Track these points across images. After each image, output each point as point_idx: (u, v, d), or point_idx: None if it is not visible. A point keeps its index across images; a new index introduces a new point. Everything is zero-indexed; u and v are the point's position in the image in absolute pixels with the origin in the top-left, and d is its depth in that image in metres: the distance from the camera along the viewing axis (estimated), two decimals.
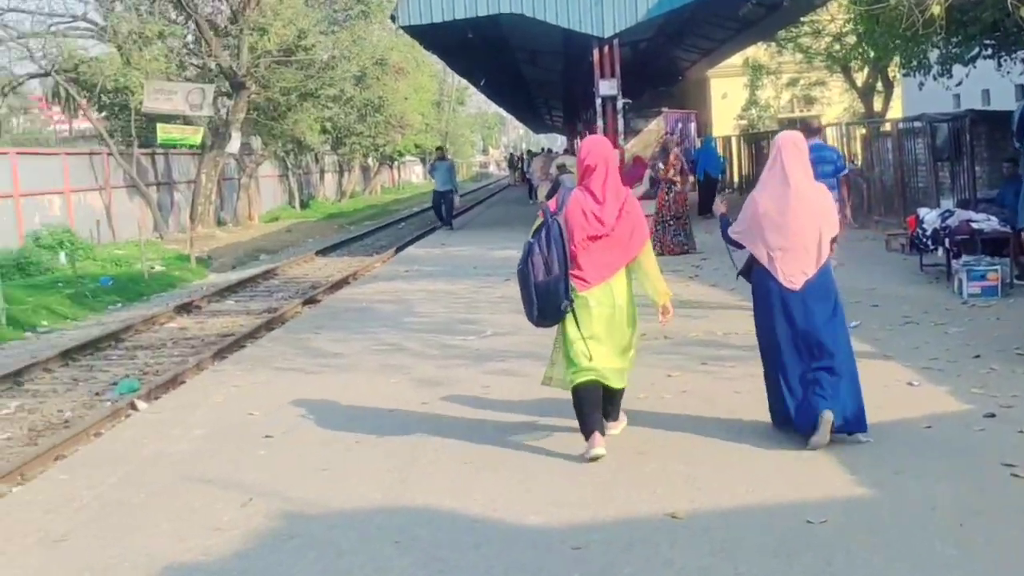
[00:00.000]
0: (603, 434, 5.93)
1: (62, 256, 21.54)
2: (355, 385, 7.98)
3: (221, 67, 32.31)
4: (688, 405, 6.92)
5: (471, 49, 30.25)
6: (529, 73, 40.54)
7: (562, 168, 21.76)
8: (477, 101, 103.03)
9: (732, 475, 5.46)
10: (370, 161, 59.27)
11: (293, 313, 14.96)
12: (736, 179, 32.85)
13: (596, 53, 20.75)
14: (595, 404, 5.92)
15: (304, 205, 45.85)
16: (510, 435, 6.39)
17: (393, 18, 21.15)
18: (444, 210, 25.75)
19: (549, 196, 17.81)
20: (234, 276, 22.86)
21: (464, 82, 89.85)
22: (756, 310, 6.14)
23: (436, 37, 25.89)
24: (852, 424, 5.88)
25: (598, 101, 21.01)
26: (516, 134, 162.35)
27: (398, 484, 5.57)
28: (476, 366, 8.45)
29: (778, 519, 4.83)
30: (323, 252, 26.06)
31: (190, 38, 34.11)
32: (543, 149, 73.18)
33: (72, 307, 17.94)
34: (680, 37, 31.68)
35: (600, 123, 21.11)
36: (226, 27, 33.14)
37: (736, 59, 36.52)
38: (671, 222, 16.29)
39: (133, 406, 9.32)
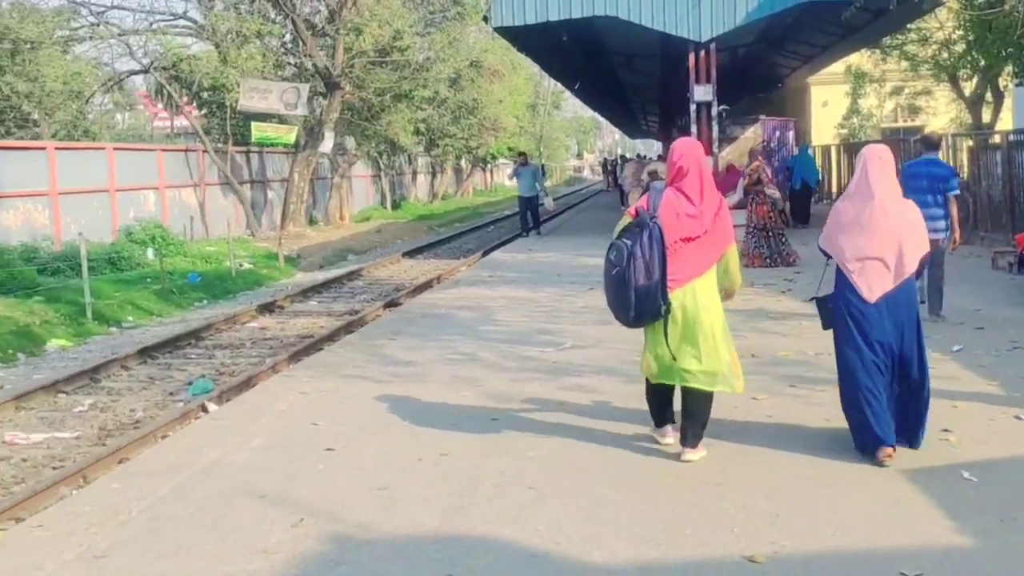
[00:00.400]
0: (674, 428, 6.20)
1: (150, 252, 21.75)
2: (423, 397, 7.67)
3: (316, 67, 32.48)
4: (773, 432, 6.46)
5: (565, 52, 29.90)
6: (625, 77, 40.02)
7: (654, 175, 21.26)
8: (573, 105, 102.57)
9: (819, 515, 5.01)
10: (463, 163, 59.27)
11: (373, 316, 14.77)
12: (835, 189, 31.95)
13: (692, 57, 20.24)
14: (667, 402, 6.23)
15: (395, 206, 45.96)
16: (580, 458, 6.02)
17: (486, 19, 20.86)
18: (531, 216, 25.05)
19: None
20: (320, 276, 22.83)
21: (560, 85, 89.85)
22: (835, 322, 6.05)
23: (530, 39, 25.56)
24: (907, 438, 5.95)
25: (692, 107, 20.50)
26: (611, 139, 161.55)
27: (456, 509, 5.23)
28: (551, 381, 8.09)
29: (868, 569, 4.38)
30: (410, 254, 25.95)
31: (287, 37, 34.37)
32: (637, 155, 72.51)
33: (158, 303, 18.03)
34: (781, 43, 30.90)
35: (694, 129, 20.59)
36: (323, 27, 33.30)
37: (838, 66, 35.49)
38: (754, 232, 15.79)
39: (204, 408, 9.17)
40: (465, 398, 7.60)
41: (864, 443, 5.89)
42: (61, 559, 4.73)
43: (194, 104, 36.26)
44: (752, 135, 35.86)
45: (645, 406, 6.64)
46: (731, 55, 29.21)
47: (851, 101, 34.60)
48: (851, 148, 30.34)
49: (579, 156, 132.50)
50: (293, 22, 31.71)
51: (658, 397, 6.22)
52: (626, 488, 5.48)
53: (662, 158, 47.80)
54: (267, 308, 16.40)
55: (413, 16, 33.34)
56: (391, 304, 15.82)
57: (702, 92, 20.28)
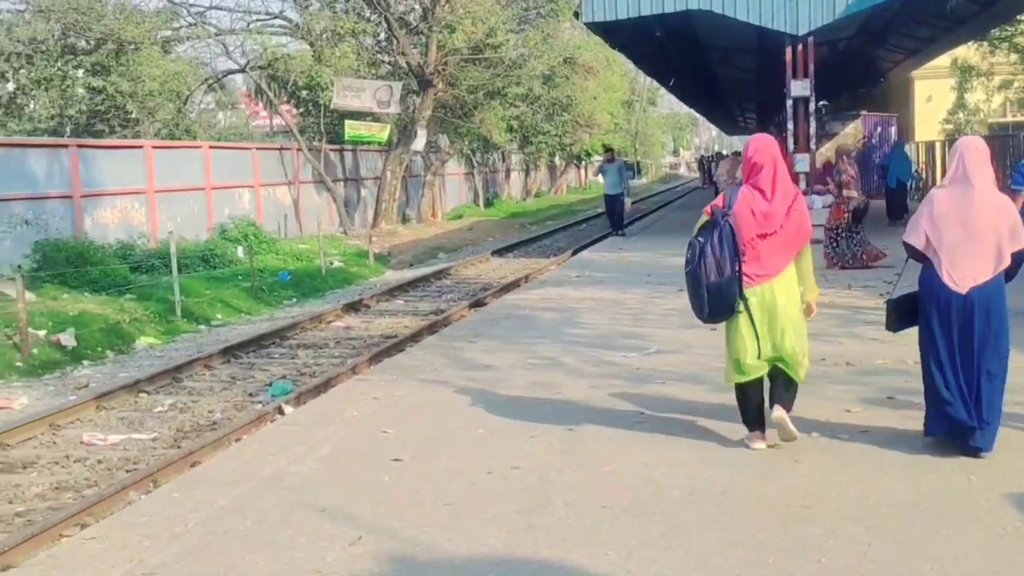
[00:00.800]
0: (764, 432, 6.08)
1: (240, 250, 21.88)
2: (498, 404, 7.38)
3: (409, 65, 32.48)
4: (867, 450, 6.02)
5: (659, 47, 29.40)
6: (721, 72, 39.28)
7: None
8: (669, 101, 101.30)
9: (917, 545, 4.59)
10: (556, 160, 58.95)
11: (457, 316, 14.56)
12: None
13: (788, 51, 19.62)
14: (757, 402, 6.10)
15: (488, 204, 45.85)
16: (659, 475, 5.67)
17: (577, 14, 20.51)
18: (616, 215, 24.21)
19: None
20: (409, 274, 22.75)
21: (656, 82, 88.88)
22: (920, 312, 5.98)
23: (622, 34, 25.17)
24: (980, 441, 5.76)
25: (789, 102, 19.88)
26: (708, 136, 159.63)
27: (523, 530, 4.93)
28: (633, 388, 7.74)
29: None
30: (499, 252, 25.75)
31: (382, 36, 34.44)
32: (733, 152, 71.37)
33: (247, 301, 18.09)
34: (883, 36, 29.92)
35: (791, 125, 19.97)
36: (416, 25, 33.31)
37: (943, 60, 34.36)
38: (827, 233, 15.15)
39: (280, 410, 9.03)
40: (543, 406, 7.30)
41: (935, 429, 5.95)
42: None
43: (290, 103, 36.66)
44: (852, 131, 35.00)
45: (730, 420, 6.35)
46: (830, 49, 28.34)
47: (957, 96, 33.37)
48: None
49: (675, 153, 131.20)
50: (387, 20, 31.75)
51: (748, 400, 6.14)
52: (706, 510, 5.12)
53: None
54: (353, 307, 16.32)
55: (506, 13, 33.09)
56: (476, 304, 15.61)
57: (799, 87, 19.64)
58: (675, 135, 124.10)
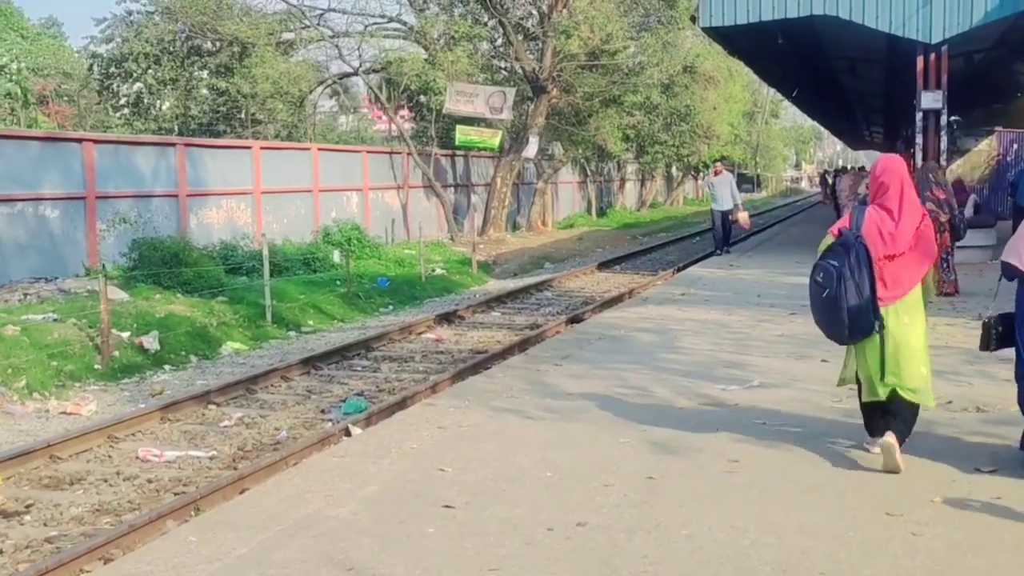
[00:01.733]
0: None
1: (336, 254, 21.47)
2: (576, 442, 6.58)
3: (524, 70, 31.89)
4: (1003, 526, 5.05)
5: (781, 55, 28.16)
6: (847, 83, 37.72)
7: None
8: (793, 114, 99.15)
9: None
10: (673, 171, 57.77)
11: (553, 332, 13.81)
12: None
13: (920, 61, 18.35)
14: (879, 413, 6.08)
15: (601, 213, 45.05)
16: (747, 543, 4.80)
17: (693, 19, 19.56)
18: (723, 232, 22.32)
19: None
20: (511, 284, 22.09)
21: (779, 94, 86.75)
22: (1018, 324, 5.94)
23: (741, 41, 24.06)
24: None
25: (919, 115, 18.61)
26: (833, 150, 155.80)
27: None
28: (730, 429, 6.85)
29: None
30: (606, 265, 24.89)
31: (498, 41, 33.95)
32: (859, 166, 69.04)
33: (342, 307, 17.64)
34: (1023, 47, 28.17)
35: (920, 139, 18.71)
36: (533, 31, 32.73)
37: None
38: None
39: (347, 431, 8.40)
40: (624, 447, 6.46)
41: None
42: None
43: (406, 107, 36.42)
44: (986, 147, 33.15)
45: (840, 476, 5.71)
46: (965, 61, 26.76)
47: None
48: None
49: (797, 166, 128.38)
50: (503, 25, 31.19)
51: (870, 409, 6.17)
52: None
53: None
54: (446, 318, 15.69)
55: (625, 20, 32.22)
56: (573, 320, 14.83)
57: (930, 99, 18.35)
58: (798, 148, 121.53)
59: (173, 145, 21.34)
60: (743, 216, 22.33)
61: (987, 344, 6.20)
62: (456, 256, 26.41)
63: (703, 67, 40.34)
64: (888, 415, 6.00)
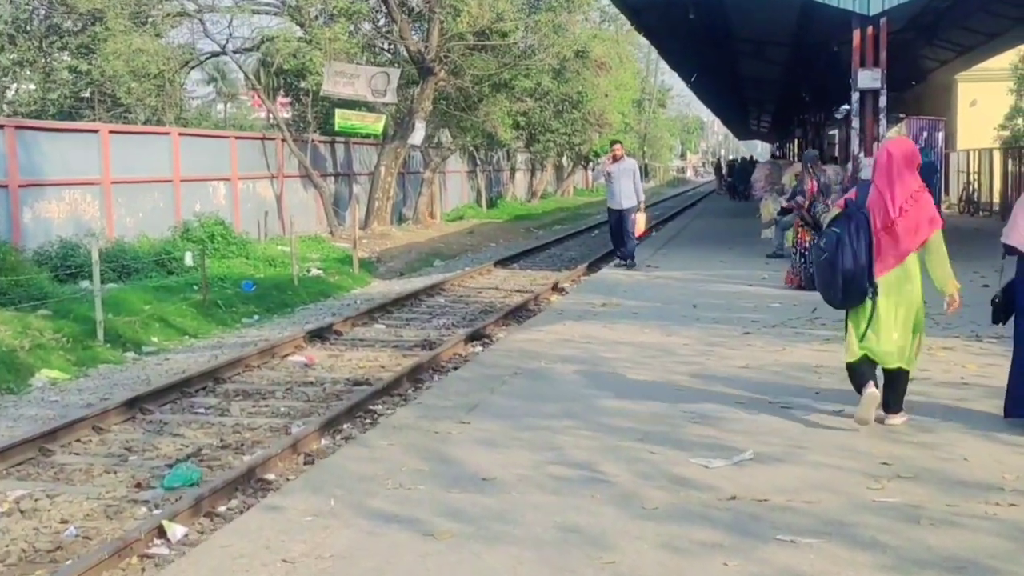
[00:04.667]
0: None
1: (188, 257, 18.57)
2: None
3: (409, 50, 29.31)
4: None
5: (688, 35, 26.24)
6: (747, 69, 36.28)
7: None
8: (678, 104, 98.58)
9: None
10: (564, 160, 55.83)
11: (449, 355, 11.29)
12: (995, 199, 27.57)
13: (856, 35, 16.31)
14: (869, 374, 6.37)
15: (491, 204, 42.82)
16: None
17: None
18: (624, 237, 16.77)
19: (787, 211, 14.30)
20: (397, 286, 19.52)
21: (666, 83, 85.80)
22: (1018, 307, 6.42)
23: (652, 15, 21.97)
24: None
25: (854, 96, 16.59)
26: (715, 140, 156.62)
27: None
28: (736, 550, 4.44)
29: None
30: (503, 263, 22.42)
31: (380, 21, 31.31)
32: (750, 157, 68.08)
33: (195, 319, 14.85)
34: (933, 30, 26.66)
35: (856, 123, 16.72)
36: (419, 9, 30.20)
37: (993, 61, 31.17)
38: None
39: (161, 531, 5.80)
40: None
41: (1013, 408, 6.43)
42: None
43: (283, 92, 33.51)
44: (895, 135, 31.75)
45: None
46: (842, 53, 25.15)
47: (1016, 99, 30.03)
48: (1019, 154, 25.87)
49: (682, 156, 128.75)
50: (385, 2, 28.50)
51: (862, 376, 6.38)
52: None
53: (781, 158, 43.72)
54: (320, 334, 13.00)
55: (517, 1, 29.91)
56: (474, 337, 12.32)
57: (868, 78, 16.33)
58: (683, 138, 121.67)
59: (2, 127, 18.11)
60: (641, 219, 16.98)
61: (998, 317, 6.66)
62: (336, 253, 23.71)
63: (595, 52, 38.47)
64: (886, 386, 6.46)
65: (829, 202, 17.44)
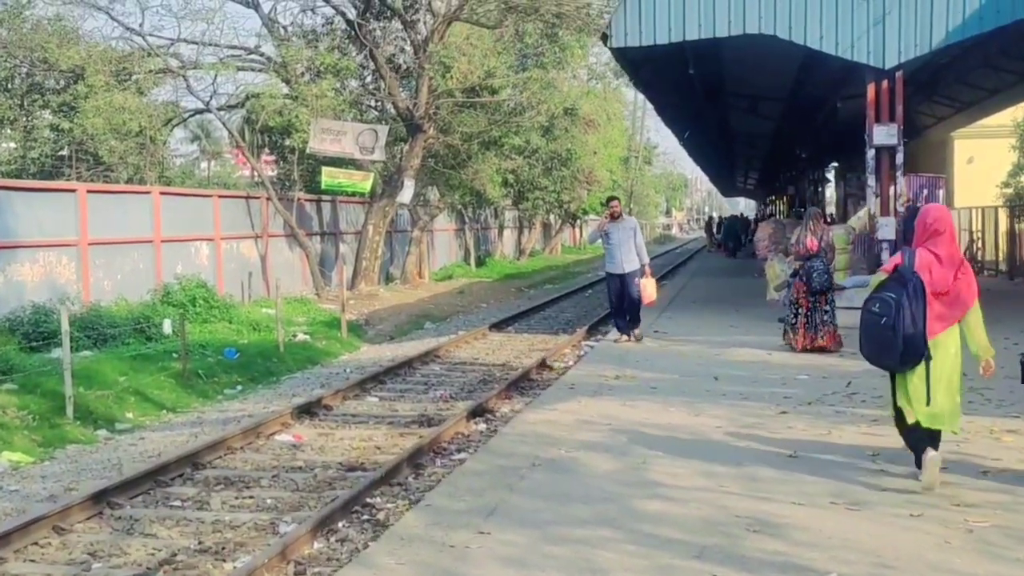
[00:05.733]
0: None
1: (166, 325, 17.58)
2: None
3: (397, 107, 28.63)
4: None
5: (685, 90, 25.68)
6: (739, 124, 35.89)
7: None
8: (663, 161, 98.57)
9: None
10: (552, 218, 55.20)
11: (453, 435, 10.32)
12: (1000, 259, 26.83)
13: (871, 89, 15.63)
14: (928, 441, 6.52)
15: (480, 263, 42.02)
16: None
17: (605, 37, 16.53)
18: (627, 308, 14.78)
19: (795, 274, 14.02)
20: (389, 352, 18.56)
21: (652, 140, 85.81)
22: None
23: (650, 69, 21.32)
24: None
25: (870, 152, 15.88)
26: (699, 197, 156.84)
27: None
28: None
29: None
30: (498, 326, 21.47)
31: (368, 78, 30.68)
32: (740, 215, 67.63)
33: (175, 391, 13.87)
34: (932, 86, 26.13)
35: (872, 181, 16.02)
36: (407, 66, 29.58)
37: (990, 119, 30.72)
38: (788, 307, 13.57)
39: None
40: None
41: None
42: None
43: (266, 147, 32.77)
44: (864, 216, 31.13)
45: None
46: (856, 103, 24.54)
47: (1019, 156, 29.45)
48: None
49: (668, 213, 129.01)
50: (373, 58, 27.85)
51: (919, 433, 6.57)
52: None
53: (773, 217, 43.08)
54: (309, 409, 11.98)
55: (508, 59, 29.30)
56: (477, 412, 11.34)
57: (884, 134, 15.66)
58: (668, 195, 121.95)
59: None
60: (650, 285, 14.84)
61: None
62: (323, 315, 22.77)
63: (584, 109, 38.08)
64: (931, 437, 6.58)
65: (836, 263, 17.04)
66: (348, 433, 10.95)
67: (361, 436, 10.76)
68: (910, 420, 6.55)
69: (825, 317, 13.05)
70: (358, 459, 9.63)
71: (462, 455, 9.39)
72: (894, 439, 6.94)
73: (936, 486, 6.34)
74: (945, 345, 6.51)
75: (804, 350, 12.94)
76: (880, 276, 6.76)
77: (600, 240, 15.07)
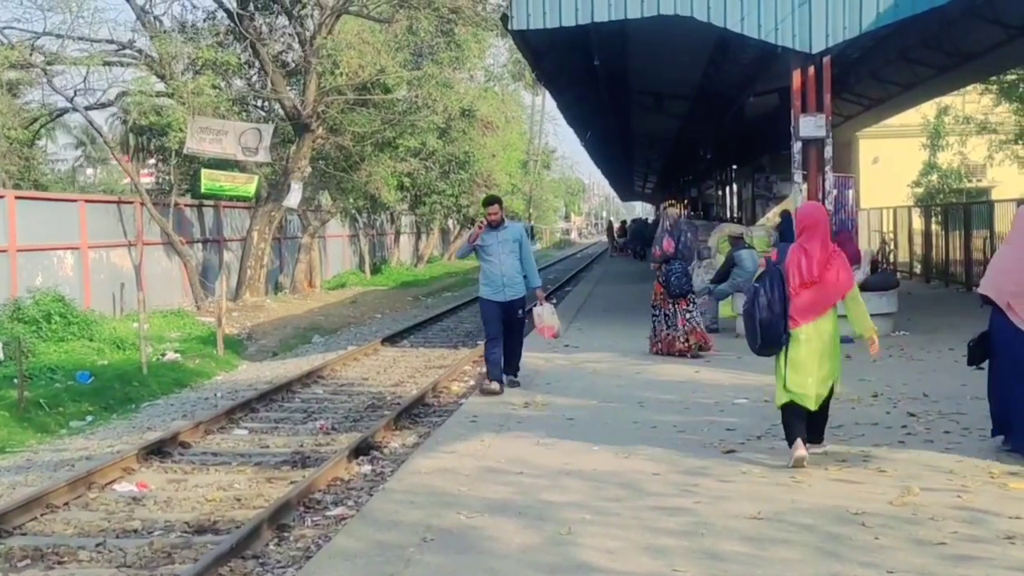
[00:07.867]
0: (806, 444, 6.94)
1: None
2: None
3: (283, 105, 26.70)
4: None
5: (588, 84, 24.30)
6: (642, 124, 34.54)
7: (739, 239, 15.75)
8: (561, 166, 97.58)
9: None
10: (450, 223, 53.61)
11: (330, 480, 8.51)
12: (914, 261, 25.95)
13: (797, 77, 14.25)
14: (800, 418, 7.00)
15: (375, 270, 40.25)
16: None
17: (505, 18, 14.90)
18: (507, 342, 10.79)
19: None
20: (268, 372, 16.67)
21: (551, 144, 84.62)
22: (992, 350, 7.14)
23: (553, 59, 19.81)
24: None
25: (796, 146, 14.51)
26: (596, 202, 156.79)
27: None
28: None
29: None
30: (392, 339, 19.64)
31: (253, 76, 28.66)
32: (647, 219, 66.74)
33: (8, 426, 11.79)
34: (843, 82, 25.10)
35: (798, 177, 14.67)
36: (295, 64, 27.73)
37: (895, 119, 30.07)
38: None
39: None
40: None
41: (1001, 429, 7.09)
42: None
43: (153, 154, 30.41)
44: (805, 195, 30.18)
45: None
46: (755, 104, 23.51)
47: (930, 155, 28.69)
48: (946, 211, 24.19)
49: (567, 218, 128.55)
50: (256, 52, 25.85)
51: (791, 416, 7.01)
52: None
53: (683, 218, 42.26)
54: (160, 449, 10.01)
55: (401, 57, 27.58)
56: (361, 451, 9.53)
57: (812, 125, 14.26)
58: (567, 200, 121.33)
59: None
60: (549, 315, 11.52)
61: (973, 360, 7.40)
62: (200, 330, 20.74)
63: (481, 111, 36.69)
64: (811, 419, 7.09)
65: (703, 264, 16.13)
66: (204, 479, 9.06)
67: (220, 483, 8.88)
68: (781, 400, 7.00)
69: (688, 319, 12.63)
70: (210, 517, 7.77)
71: (339, 509, 7.62)
72: (876, 493, 5.45)
73: (803, 465, 6.78)
74: (820, 331, 6.92)
75: (658, 353, 12.57)
76: (760, 270, 7.35)
77: (476, 251, 10.89)
